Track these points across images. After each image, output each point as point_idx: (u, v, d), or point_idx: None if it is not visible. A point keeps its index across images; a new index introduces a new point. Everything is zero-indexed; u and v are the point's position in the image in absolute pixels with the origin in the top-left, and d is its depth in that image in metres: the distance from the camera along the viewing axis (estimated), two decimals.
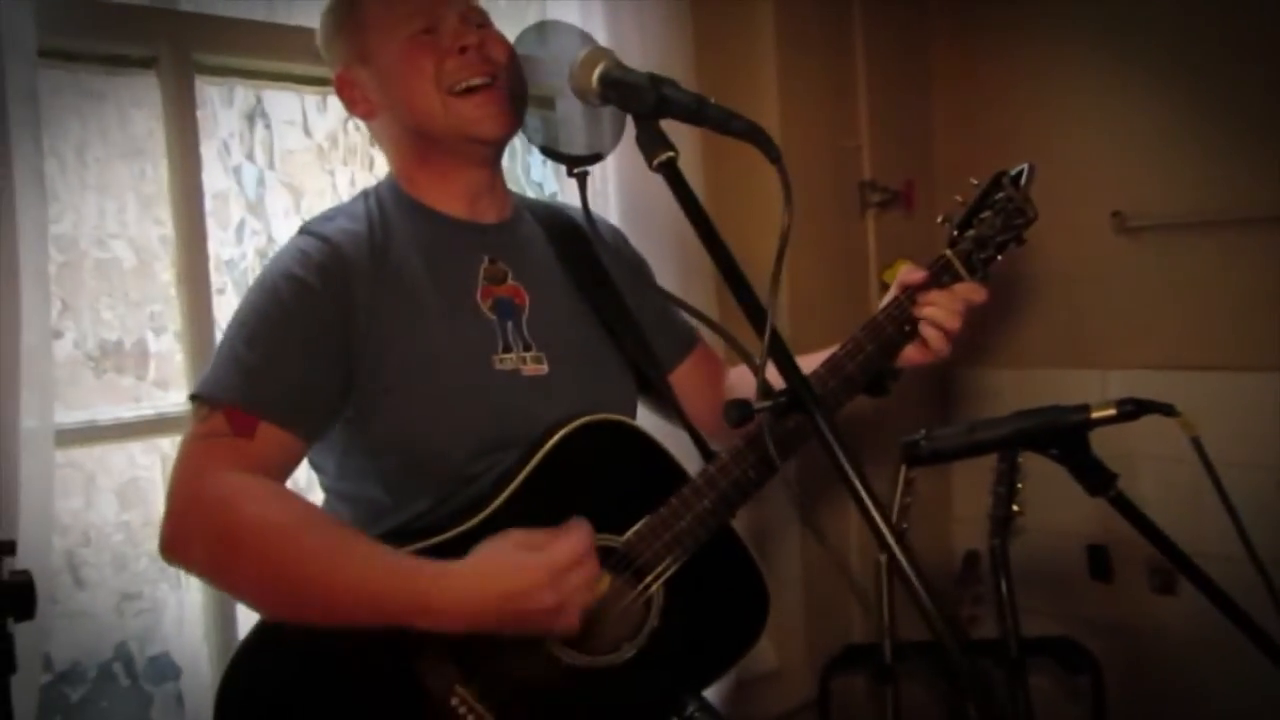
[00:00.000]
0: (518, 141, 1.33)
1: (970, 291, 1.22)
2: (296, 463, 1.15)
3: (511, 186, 1.36)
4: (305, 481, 1.38)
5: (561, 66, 1.06)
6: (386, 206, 1.24)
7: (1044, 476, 2.05)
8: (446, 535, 1.13)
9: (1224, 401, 2.02)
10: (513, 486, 1.15)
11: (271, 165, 1.72)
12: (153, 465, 1.57)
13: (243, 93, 1.69)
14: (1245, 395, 2.00)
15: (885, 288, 1.31)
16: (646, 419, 1.39)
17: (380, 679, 1.07)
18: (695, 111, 0.94)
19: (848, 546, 2.21)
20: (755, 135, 0.90)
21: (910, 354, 1.25)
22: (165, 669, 1.58)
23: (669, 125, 0.99)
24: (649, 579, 1.17)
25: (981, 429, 1.04)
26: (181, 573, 1.42)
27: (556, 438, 1.16)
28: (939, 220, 1.33)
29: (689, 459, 1.26)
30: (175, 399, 1.56)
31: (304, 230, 1.21)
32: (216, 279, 1.59)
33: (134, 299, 1.56)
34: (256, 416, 1.09)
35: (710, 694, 1.91)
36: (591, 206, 1.74)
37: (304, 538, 1.05)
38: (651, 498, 1.18)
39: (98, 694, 1.50)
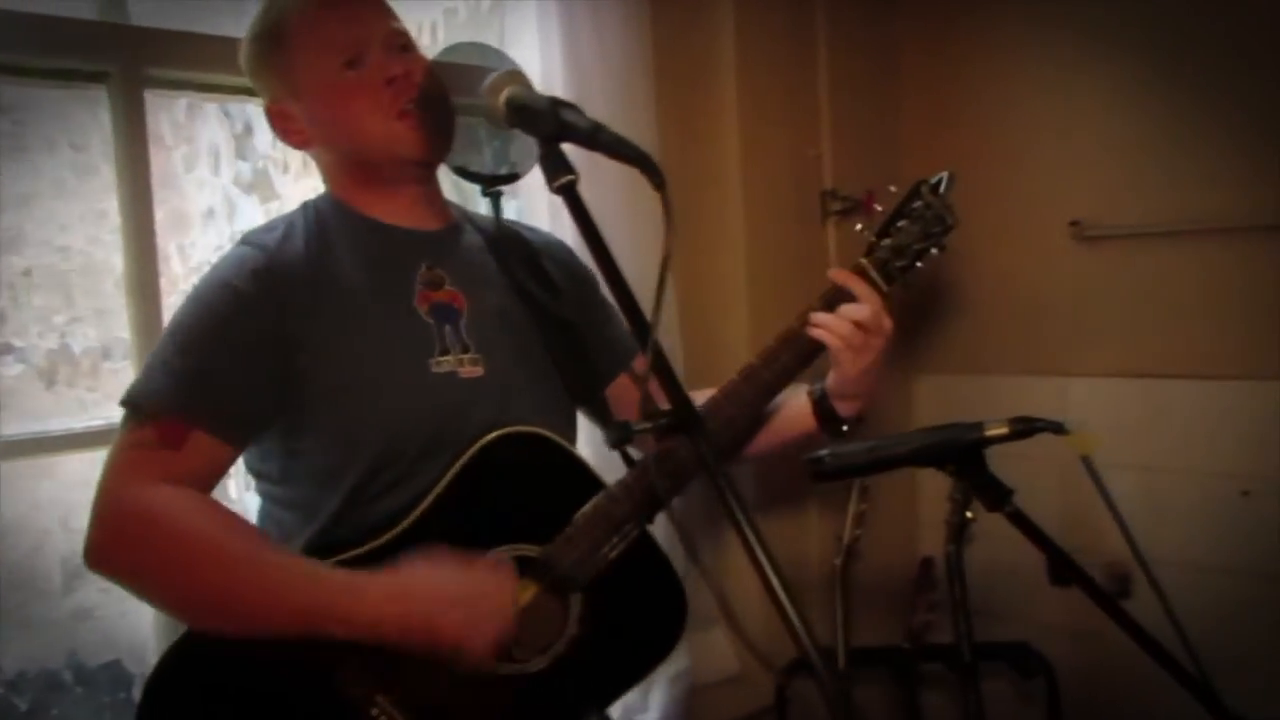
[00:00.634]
0: None
1: (855, 311, 1.24)
2: (224, 470, 1.18)
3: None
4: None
5: (475, 87, 1.08)
6: (325, 217, 1.27)
7: (1007, 481, 2.07)
8: (369, 546, 1.16)
9: (1184, 409, 2.04)
10: (432, 497, 1.17)
11: (221, 175, 1.75)
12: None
13: (194, 106, 1.71)
14: (1204, 403, 2.01)
15: None
16: (585, 428, 1.41)
17: (302, 689, 1.10)
18: (590, 137, 0.96)
19: (806, 553, 2.22)
20: (643, 161, 0.92)
21: (835, 373, 1.27)
22: (117, 676, 1.60)
23: None
24: (568, 588, 1.20)
25: (882, 447, 1.06)
26: None
27: (474, 449, 1.18)
28: (858, 229, 1.34)
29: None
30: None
31: (242, 240, 1.24)
32: (169, 289, 1.62)
33: (83, 311, 1.59)
34: (186, 424, 1.11)
35: (672, 695, 1.95)
36: (543, 224, 1.78)
37: (226, 548, 1.08)
38: (570, 508, 1.20)
39: (47, 702, 1.53)
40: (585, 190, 1.84)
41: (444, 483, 1.17)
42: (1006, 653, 2.04)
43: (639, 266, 1.90)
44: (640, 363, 1.46)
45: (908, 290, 1.32)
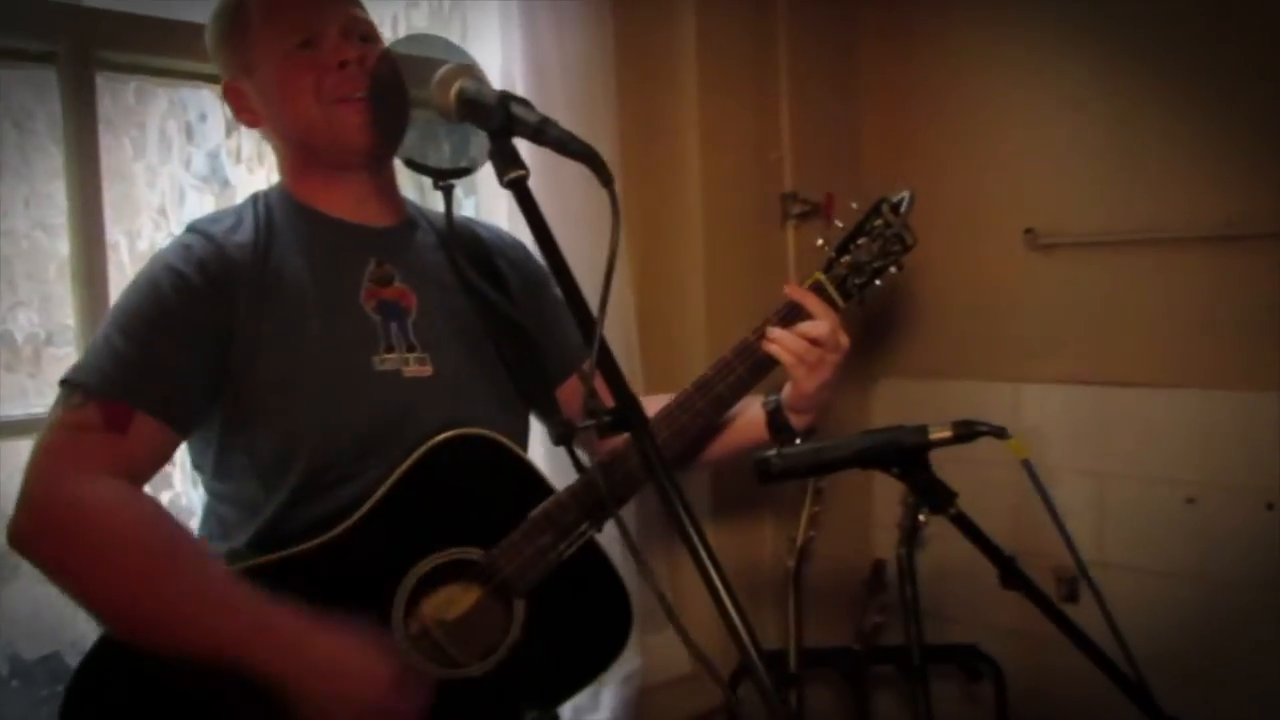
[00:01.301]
0: None
1: (812, 328, 1.25)
2: (167, 457, 1.16)
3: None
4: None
5: (427, 80, 1.07)
6: (274, 209, 1.25)
7: (955, 489, 2.10)
8: (311, 544, 1.15)
9: (1133, 416, 2.07)
10: (376, 498, 1.16)
11: (173, 162, 1.72)
12: None
13: (145, 88, 1.68)
14: (1153, 411, 2.04)
15: None
16: (538, 431, 1.40)
17: (223, 689, 1.06)
18: (538, 131, 0.96)
19: (759, 554, 2.23)
20: (590, 158, 0.92)
21: (790, 388, 1.27)
22: (57, 669, 1.57)
23: None
24: (512, 593, 1.19)
25: (829, 449, 1.06)
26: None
27: (421, 450, 1.17)
28: (818, 244, 1.35)
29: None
30: None
31: (190, 228, 1.22)
32: (117, 277, 1.59)
33: (27, 297, 1.56)
34: (131, 406, 1.09)
35: (623, 696, 1.95)
36: (502, 221, 1.77)
37: (161, 556, 1.06)
38: (517, 512, 1.20)
39: None
40: (545, 188, 1.85)
41: (390, 482, 1.16)
42: (956, 654, 2.06)
43: (599, 266, 1.92)
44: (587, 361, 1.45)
45: (863, 307, 1.33)
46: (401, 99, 1.14)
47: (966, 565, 2.24)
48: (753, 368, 1.27)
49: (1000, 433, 0.99)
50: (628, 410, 0.87)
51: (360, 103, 1.18)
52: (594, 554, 1.25)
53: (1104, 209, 2.08)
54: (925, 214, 2.31)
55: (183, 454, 1.23)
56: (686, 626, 2.02)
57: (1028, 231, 2.15)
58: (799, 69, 2.26)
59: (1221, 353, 1.94)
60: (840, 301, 1.30)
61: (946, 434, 1.00)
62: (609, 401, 1.38)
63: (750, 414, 1.35)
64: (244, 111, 1.26)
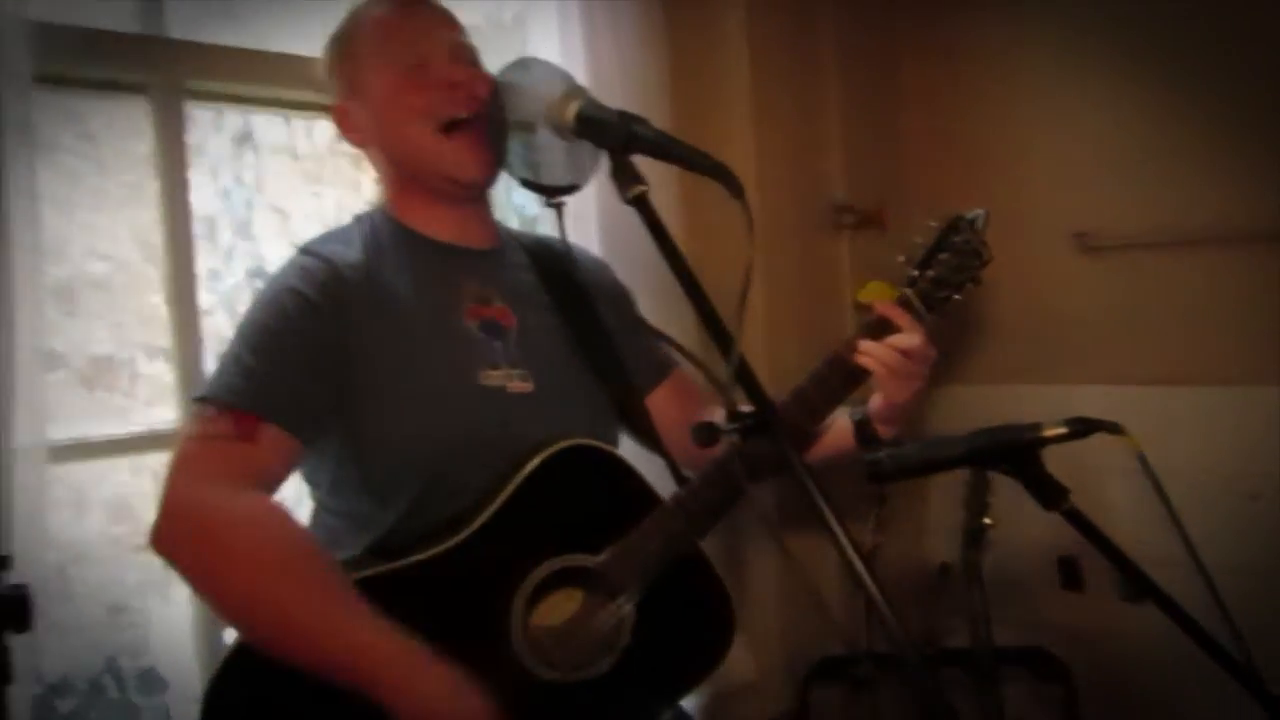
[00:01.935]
0: None
1: (903, 340, 1.27)
2: (293, 468, 1.20)
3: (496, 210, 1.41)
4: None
5: (541, 101, 1.11)
6: (380, 231, 1.29)
7: (1016, 490, 2.12)
8: (428, 553, 1.17)
9: (1185, 417, 2.09)
10: (493, 508, 1.18)
11: (260, 188, 1.76)
12: (142, 481, 1.61)
13: (232, 117, 1.73)
14: (1210, 409, 2.06)
15: (859, 308, 1.36)
16: (626, 444, 1.44)
17: (353, 701, 1.08)
18: (663, 148, 0.99)
19: (826, 559, 2.25)
20: (719, 172, 0.95)
21: (879, 398, 1.31)
22: (153, 682, 1.61)
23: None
24: (621, 598, 1.22)
25: (940, 446, 1.09)
26: (170, 588, 1.45)
27: (535, 461, 1.20)
28: (899, 259, 1.38)
29: (665, 483, 1.30)
30: (164, 416, 1.60)
31: (304, 250, 1.26)
32: (206, 299, 1.63)
33: (124, 319, 1.60)
34: (260, 418, 1.13)
35: (688, 704, 1.97)
36: (574, 237, 1.81)
37: (298, 579, 1.08)
38: (625, 520, 1.23)
39: (87, 706, 1.53)
40: (604, 219, 1.90)
41: (507, 492, 1.19)
42: (1024, 657, 2.08)
43: (651, 294, 1.95)
44: (679, 375, 1.49)
45: (943, 319, 1.36)
46: (504, 124, 1.18)
47: (1027, 569, 2.28)
48: (845, 379, 1.30)
49: (1114, 428, 1.02)
50: (767, 414, 0.90)
51: (470, 131, 1.22)
52: (697, 559, 1.28)
53: (1155, 210, 2.10)
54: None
55: None
56: (747, 642, 2.04)
57: (1078, 234, 2.18)
58: (848, 78, 2.30)
59: (1276, 348, 1.96)
60: (925, 315, 1.32)
61: (1061, 430, 1.03)
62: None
63: (838, 425, 1.37)
64: (352, 131, 1.30)
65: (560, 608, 1.24)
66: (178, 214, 1.60)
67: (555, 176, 1.20)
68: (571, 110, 1.06)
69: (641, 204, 1.00)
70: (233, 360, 1.17)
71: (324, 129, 1.80)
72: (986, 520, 2.02)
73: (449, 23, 1.30)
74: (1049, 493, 1.03)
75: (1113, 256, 2.18)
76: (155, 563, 1.11)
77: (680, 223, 1.98)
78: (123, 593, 1.58)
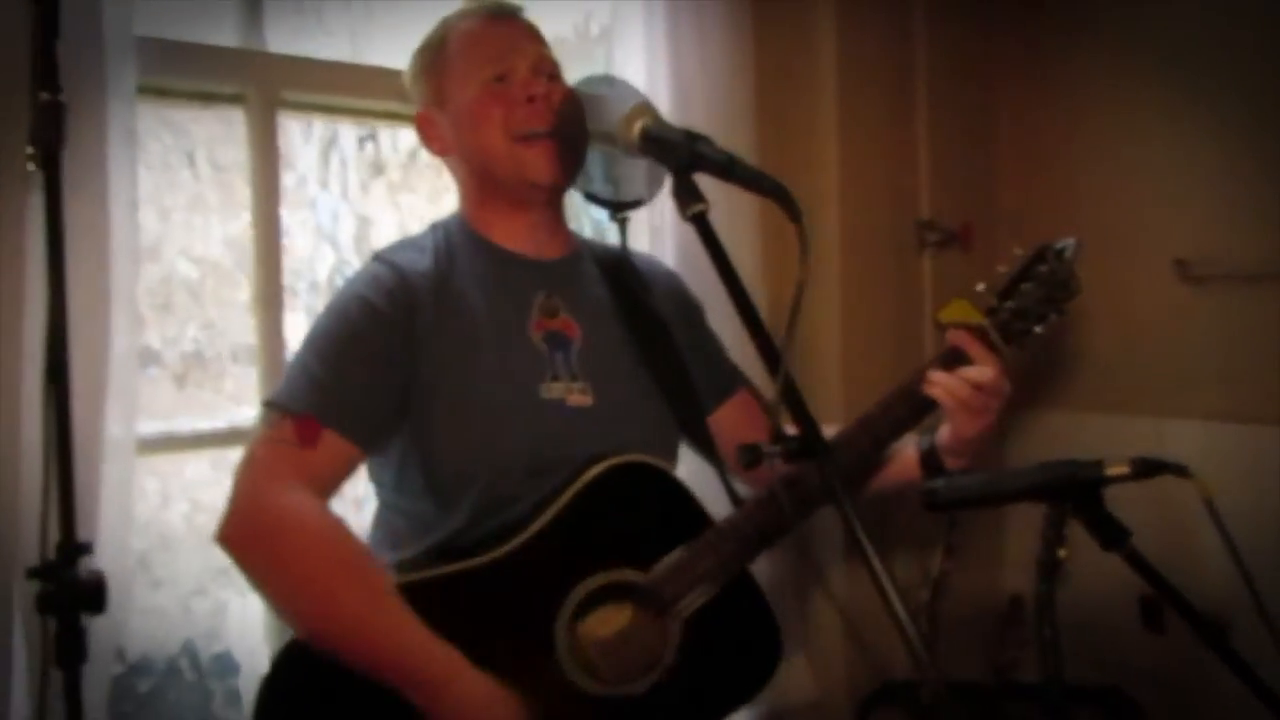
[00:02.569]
0: None
1: (975, 374, 1.24)
2: (352, 472, 1.24)
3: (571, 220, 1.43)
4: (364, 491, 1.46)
5: (615, 118, 1.13)
6: (453, 240, 1.33)
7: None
8: (480, 560, 1.20)
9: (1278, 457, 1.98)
10: (544, 519, 1.21)
11: (345, 195, 1.83)
12: (223, 475, 1.68)
13: (320, 127, 1.80)
14: None
15: (940, 328, 1.33)
16: (688, 459, 1.44)
17: (400, 702, 1.12)
18: (725, 169, 1.00)
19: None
20: (779, 194, 0.95)
21: (948, 430, 1.28)
22: (227, 665, 1.68)
23: None
24: (668, 616, 1.22)
25: (999, 479, 1.06)
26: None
27: (588, 476, 1.22)
28: (980, 288, 1.34)
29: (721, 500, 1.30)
30: (248, 414, 1.67)
31: (376, 257, 1.31)
32: (293, 301, 1.70)
33: (214, 318, 1.68)
34: (322, 424, 1.17)
35: (750, 718, 1.95)
36: (650, 249, 1.82)
37: (349, 581, 1.13)
38: (674, 539, 1.24)
39: (165, 686, 1.61)
40: (687, 231, 1.90)
41: (559, 504, 1.21)
42: (1097, 696, 2.00)
43: (735, 336, 1.94)
44: (746, 392, 1.48)
45: (1024, 352, 1.32)
46: (581, 138, 1.20)
47: (1106, 603, 2.20)
48: (913, 409, 1.27)
49: (1181, 470, 0.98)
50: (813, 438, 0.89)
51: (547, 140, 1.24)
52: (747, 583, 1.28)
53: (1258, 239, 2.01)
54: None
55: None
56: (807, 664, 2.02)
57: (1178, 262, 2.09)
58: (937, 94, 2.26)
59: None
60: (1003, 347, 1.28)
61: (1124, 469, 0.99)
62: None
63: (904, 454, 1.35)
64: (434, 140, 1.33)
65: (610, 622, 1.25)
66: (268, 220, 1.67)
67: (620, 192, 1.21)
68: (637, 128, 1.08)
69: (700, 222, 1.01)
70: (300, 367, 1.22)
71: (408, 138, 1.85)
72: (1062, 553, 1.97)
73: (533, 37, 1.33)
74: (1109, 533, 0.99)
75: (1214, 286, 2.07)
76: None
77: (758, 240, 1.99)
78: (201, 580, 1.66)
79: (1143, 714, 2.02)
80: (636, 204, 1.22)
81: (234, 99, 1.66)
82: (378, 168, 1.85)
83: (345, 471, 1.22)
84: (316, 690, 1.15)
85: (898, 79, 2.23)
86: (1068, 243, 1.33)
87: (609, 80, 1.24)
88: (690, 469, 1.39)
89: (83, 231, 1.37)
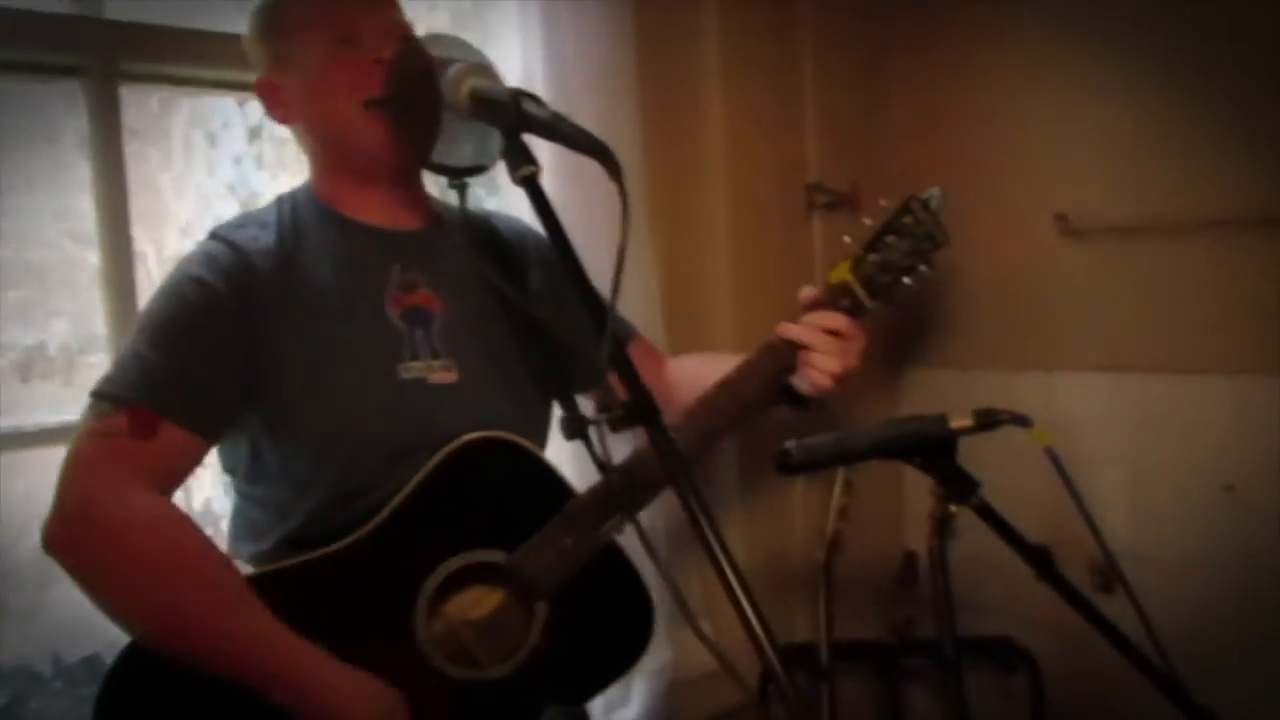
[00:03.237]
0: None
1: (828, 320, 1.22)
2: (195, 464, 1.18)
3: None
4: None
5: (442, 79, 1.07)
6: (300, 213, 1.26)
7: (991, 479, 2.07)
8: (334, 548, 1.16)
9: (1169, 404, 2.03)
10: (396, 502, 1.16)
11: (213, 172, 1.74)
12: None
13: (190, 100, 1.71)
14: (1190, 398, 2.00)
15: (829, 289, 1.30)
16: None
17: (250, 699, 1.07)
18: (549, 127, 0.95)
19: (790, 544, 2.22)
20: (601, 152, 0.92)
21: (802, 383, 1.25)
22: (97, 671, 1.60)
23: None
24: (533, 595, 1.19)
25: (848, 439, 1.05)
26: None
27: (441, 455, 1.17)
28: (845, 240, 1.33)
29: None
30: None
31: (212, 235, 1.23)
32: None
33: (61, 307, 1.59)
34: (159, 415, 1.11)
35: (653, 690, 1.94)
36: (524, 217, 1.77)
37: (194, 583, 1.07)
38: (539, 515, 1.20)
39: (26, 696, 1.53)
40: (567, 185, 1.87)
41: (410, 486, 1.17)
42: (990, 647, 2.04)
43: (628, 306, 1.90)
44: (639, 342, 1.45)
45: (893, 305, 1.31)
46: (433, 107, 1.13)
47: (998, 557, 2.23)
48: (773, 360, 1.25)
49: (1023, 421, 0.98)
50: (642, 405, 0.86)
51: (387, 114, 1.17)
52: (616, 556, 1.25)
53: (1136, 193, 2.03)
54: (953, 201, 2.30)
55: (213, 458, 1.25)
56: (711, 631, 2.02)
57: (1059, 217, 2.11)
58: (823, 56, 2.23)
59: (1261, 338, 1.90)
60: (868, 301, 1.27)
61: (967, 423, 0.99)
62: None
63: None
64: (277, 107, 1.25)
65: (484, 602, 1.22)
66: (113, 197, 1.58)
67: (459, 157, 1.16)
68: (465, 89, 1.03)
69: (530, 185, 0.96)
70: (131, 355, 1.14)
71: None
72: (952, 508, 1.99)
73: None
74: (960, 487, 0.99)
75: (1095, 239, 2.10)
76: None
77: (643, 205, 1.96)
78: (62, 581, 1.57)
79: (1034, 663, 2.06)
80: (476, 170, 1.16)
81: (71, 71, 1.56)
82: (232, 141, 1.76)
83: (187, 464, 1.16)
84: (158, 701, 1.10)
85: (783, 39, 2.20)
86: (933, 193, 1.32)
87: (441, 42, 1.18)
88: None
89: None
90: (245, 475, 1.25)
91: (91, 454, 1.10)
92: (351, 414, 1.18)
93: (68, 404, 1.58)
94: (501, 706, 1.18)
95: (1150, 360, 2.05)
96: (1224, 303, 1.94)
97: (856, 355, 1.26)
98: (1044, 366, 2.20)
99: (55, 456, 1.56)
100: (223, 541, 1.28)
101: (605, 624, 1.25)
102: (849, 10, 2.29)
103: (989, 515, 1.01)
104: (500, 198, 1.96)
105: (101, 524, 1.06)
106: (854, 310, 1.27)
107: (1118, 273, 2.08)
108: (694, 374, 1.35)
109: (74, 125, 1.57)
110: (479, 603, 1.20)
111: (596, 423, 0.88)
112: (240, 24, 1.31)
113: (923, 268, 1.30)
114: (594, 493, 1.20)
